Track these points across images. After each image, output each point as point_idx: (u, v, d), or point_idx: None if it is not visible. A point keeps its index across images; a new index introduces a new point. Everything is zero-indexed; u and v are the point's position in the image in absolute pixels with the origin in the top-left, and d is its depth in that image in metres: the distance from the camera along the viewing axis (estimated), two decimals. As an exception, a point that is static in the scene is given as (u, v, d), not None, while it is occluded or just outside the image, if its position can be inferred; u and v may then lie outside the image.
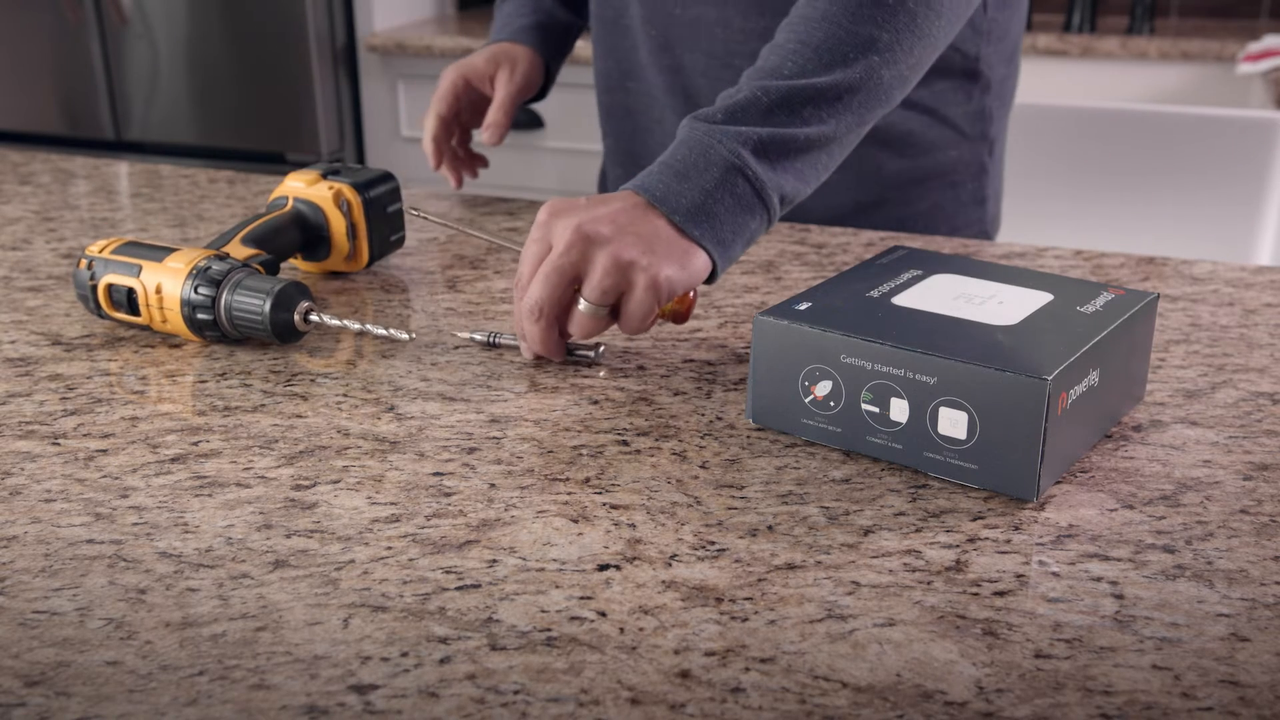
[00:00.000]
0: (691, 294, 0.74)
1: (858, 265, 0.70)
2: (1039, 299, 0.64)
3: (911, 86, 0.80)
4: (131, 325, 0.77)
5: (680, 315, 0.74)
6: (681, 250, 0.69)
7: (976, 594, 0.49)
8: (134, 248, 0.76)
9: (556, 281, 0.68)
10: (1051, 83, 2.45)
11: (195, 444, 0.62)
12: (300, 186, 0.85)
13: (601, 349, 0.72)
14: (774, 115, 0.73)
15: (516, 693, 0.43)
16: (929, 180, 1.04)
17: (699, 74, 1.01)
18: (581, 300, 0.69)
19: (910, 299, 0.64)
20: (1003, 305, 0.63)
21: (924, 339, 0.58)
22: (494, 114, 1.02)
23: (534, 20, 1.08)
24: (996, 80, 1.04)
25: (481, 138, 1.03)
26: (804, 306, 0.62)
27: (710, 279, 0.72)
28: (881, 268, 0.69)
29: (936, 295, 0.64)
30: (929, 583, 0.50)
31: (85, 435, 0.63)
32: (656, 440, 0.62)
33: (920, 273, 0.68)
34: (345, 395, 0.68)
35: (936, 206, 1.05)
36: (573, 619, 0.47)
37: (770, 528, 0.54)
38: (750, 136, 0.72)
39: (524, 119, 2.49)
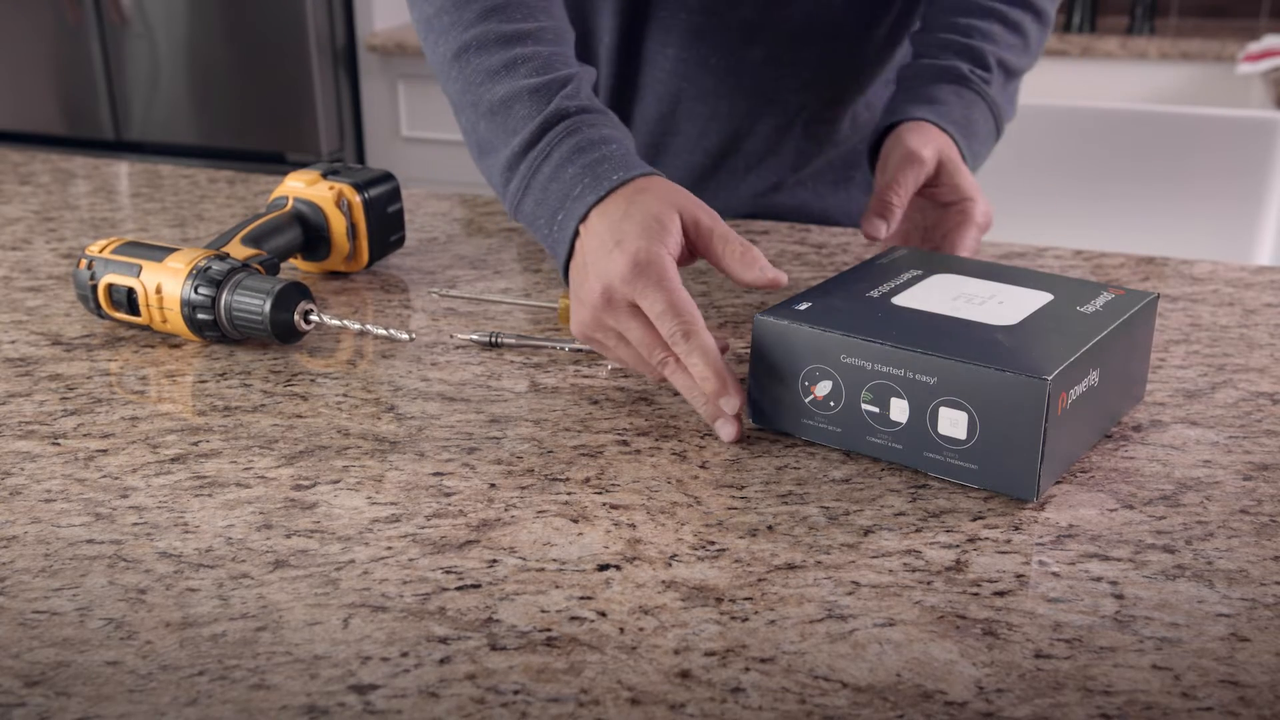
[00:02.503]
0: None
1: (858, 265, 0.70)
2: (1039, 299, 0.64)
3: None
4: (131, 325, 0.77)
5: None
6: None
7: (976, 594, 0.49)
8: (134, 248, 0.76)
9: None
10: (1051, 83, 2.45)
11: (195, 444, 0.62)
12: (300, 186, 0.85)
13: None
14: None
15: (516, 693, 0.43)
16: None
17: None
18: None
19: (910, 299, 0.63)
20: (1003, 305, 0.63)
21: (924, 339, 0.58)
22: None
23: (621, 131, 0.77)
24: None
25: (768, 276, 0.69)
26: (804, 306, 0.62)
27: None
28: (881, 268, 0.69)
29: (936, 295, 0.64)
30: (929, 583, 0.50)
31: (85, 435, 0.63)
32: (656, 440, 0.62)
33: (920, 273, 0.68)
34: (345, 395, 0.68)
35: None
36: (573, 619, 0.47)
37: (770, 528, 0.54)
38: None
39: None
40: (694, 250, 0.67)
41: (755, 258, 0.65)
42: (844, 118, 1.03)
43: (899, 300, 0.63)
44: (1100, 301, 0.63)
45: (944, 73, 0.88)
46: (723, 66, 0.99)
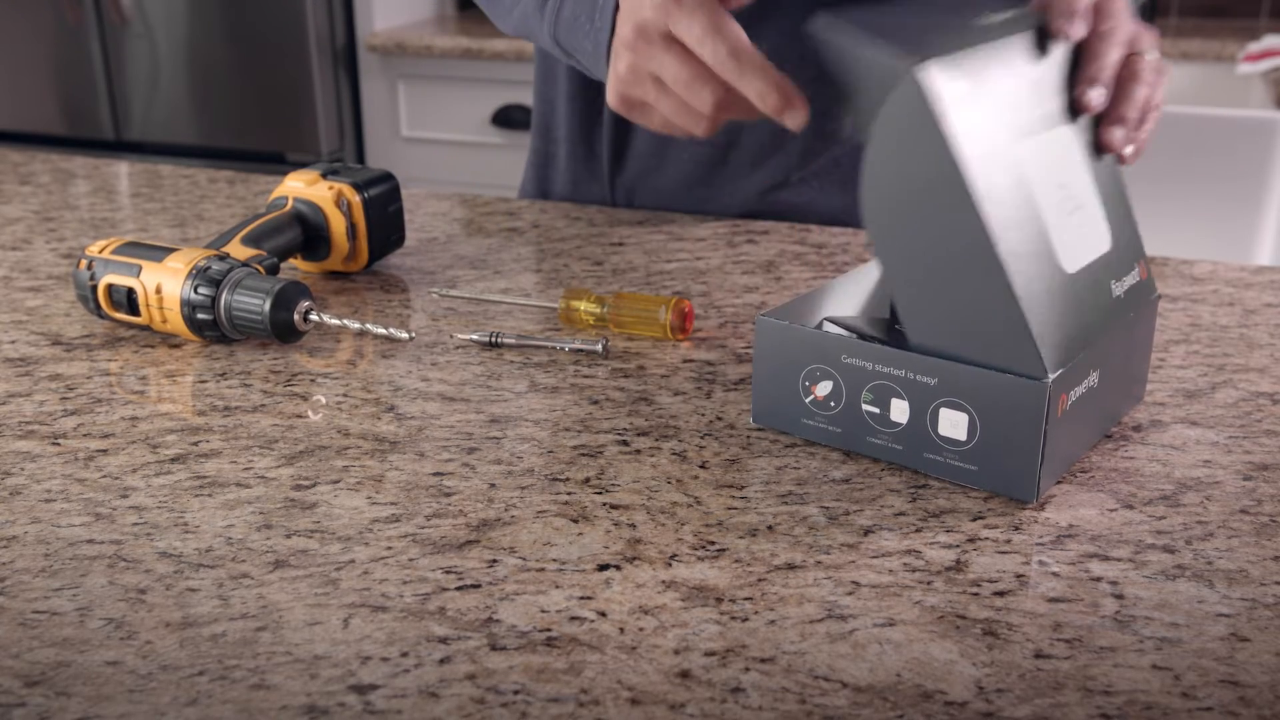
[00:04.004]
0: (688, 306, 0.75)
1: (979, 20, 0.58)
2: (1100, 246, 0.59)
3: None
4: (131, 325, 0.77)
5: (683, 329, 0.75)
6: None
7: (976, 594, 0.49)
8: (134, 248, 0.76)
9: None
10: (1051, 83, 2.45)
11: (195, 444, 0.62)
12: (300, 186, 0.85)
13: (607, 343, 0.73)
14: None
15: (516, 693, 0.43)
16: None
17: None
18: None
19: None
20: (1080, 229, 0.58)
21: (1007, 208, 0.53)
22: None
23: None
24: None
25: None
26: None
27: None
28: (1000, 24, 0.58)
29: (1046, 155, 0.56)
30: (929, 583, 0.50)
31: (85, 435, 0.63)
32: (656, 440, 0.62)
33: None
34: (345, 395, 0.68)
35: None
36: (573, 619, 0.47)
37: (770, 528, 0.54)
38: None
39: (523, 118, 2.49)
40: None
41: None
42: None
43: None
44: (1128, 282, 0.61)
45: None
46: None
